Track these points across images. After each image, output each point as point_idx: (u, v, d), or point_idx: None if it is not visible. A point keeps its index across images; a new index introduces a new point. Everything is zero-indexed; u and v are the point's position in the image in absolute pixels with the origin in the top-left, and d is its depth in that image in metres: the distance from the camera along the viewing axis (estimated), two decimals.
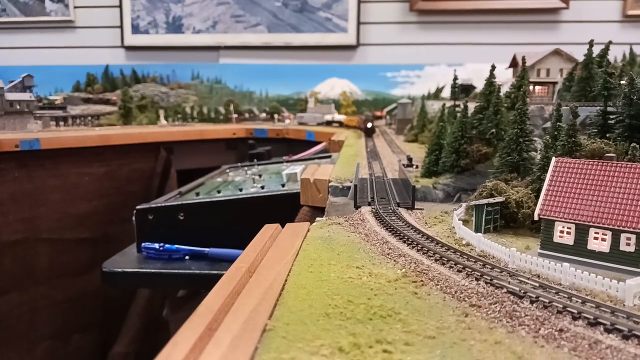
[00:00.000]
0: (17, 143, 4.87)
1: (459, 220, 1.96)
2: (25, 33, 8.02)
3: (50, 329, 5.24)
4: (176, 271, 3.27)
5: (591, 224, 1.52)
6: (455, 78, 4.30)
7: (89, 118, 7.38)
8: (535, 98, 3.46)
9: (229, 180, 4.57)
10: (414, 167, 3.22)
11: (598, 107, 2.15)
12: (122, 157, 5.82)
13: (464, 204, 2.22)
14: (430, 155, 2.95)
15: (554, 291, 1.31)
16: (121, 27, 7.88)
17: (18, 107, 6.04)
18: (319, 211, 2.71)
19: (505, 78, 4.01)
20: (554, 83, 3.52)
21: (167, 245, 3.40)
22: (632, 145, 1.71)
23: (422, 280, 1.45)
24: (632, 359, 1.01)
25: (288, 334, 1.11)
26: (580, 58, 3.11)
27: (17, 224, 4.99)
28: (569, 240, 1.57)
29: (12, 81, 6.33)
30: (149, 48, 8.04)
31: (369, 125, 5.71)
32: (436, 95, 7.30)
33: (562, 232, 1.59)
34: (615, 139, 1.90)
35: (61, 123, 6.97)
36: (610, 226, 1.48)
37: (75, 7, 7.89)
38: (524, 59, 3.33)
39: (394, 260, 1.63)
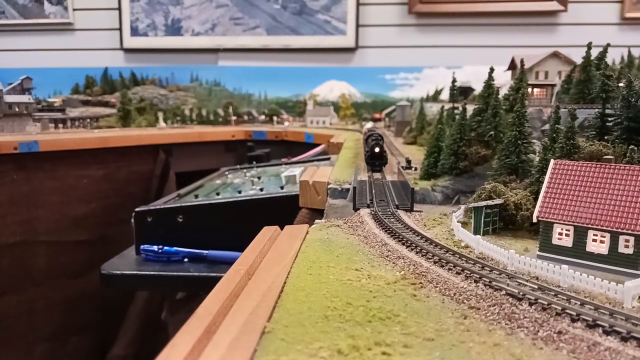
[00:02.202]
0: (16, 145, 4.86)
1: (457, 222, 1.96)
2: (24, 35, 8.02)
3: (49, 331, 5.23)
4: (175, 273, 3.27)
5: (590, 226, 1.52)
6: (454, 80, 4.31)
7: (88, 120, 7.38)
8: (534, 100, 3.46)
9: (227, 183, 4.57)
10: (413, 169, 3.22)
11: (596, 110, 2.16)
12: (120, 159, 5.81)
13: (462, 206, 2.22)
14: (429, 157, 2.95)
15: (552, 293, 1.31)
16: (120, 29, 7.88)
17: (17, 109, 6.03)
18: (317, 213, 2.71)
19: (503, 80, 4.02)
20: (553, 85, 3.52)
21: (165, 248, 3.40)
22: (630, 147, 1.71)
23: (421, 283, 1.45)
24: None
25: (287, 336, 1.11)
26: (579, 60, 3.11)
27: (15, 225, 4.98)
28: (567, 242, 1.58)
29: (11, 83, 6.32)
30: (147, 50, 8.04)
31: (377, 149, 3.18)
32: (435, 97, 7.31)
33: (560, 234, 1.59)
34: (613, 141, 1.90)
35: (60, 125, 6.97)
36: (609, 228, 1.48)
37: (74, 10, 7.89)
38: (522, 61, 3.34)
39: (393, 263, 1.63)
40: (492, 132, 2.67)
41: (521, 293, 1.31)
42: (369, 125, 5.88)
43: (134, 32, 7.91)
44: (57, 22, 7.91)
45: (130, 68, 8.13)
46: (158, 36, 7.94)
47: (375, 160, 3.19)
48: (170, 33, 7.93)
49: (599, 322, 1.14)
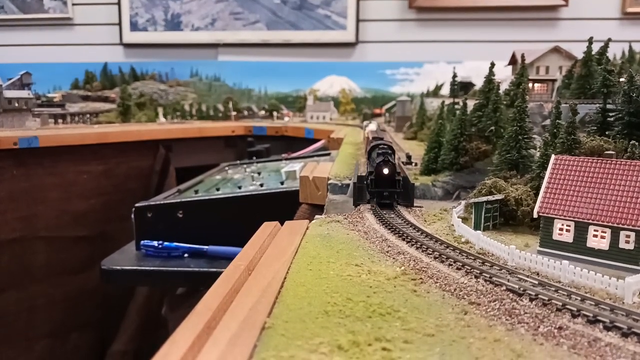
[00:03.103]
0: (16, 141, 4.85)
1: (458, 217, 1.96)
2: (23, 30, 7.99)
3: (49, 327, 5.24)
4: (175, 269, 3.26)
5: (590, 221, 1.52)
6: (455, 75, 4.29)
7: (88, 116, 7.37)
8: (535, 95, 3.45)
9: (228, 178, 4.56)
10: (413, 164, 3.21)
11: (597, 105, 2.15)
12: (120, 154, 5.81)
13: (463, 202, 2.22)
14: (430, 152, 2.95)
15: (553, 289, 1.31)
16: (119, 24, 7.85)
17: (16, 104, 6.02)
18: (318, 209, 2.70)
19: (504, 75, 4.00)
20: (553, 80, 3.51)
21: (166, 243, 3.40)
22: (631, 142, 1.71)
23: (421, 278, 1.45)
24: (631, 357, 1.01)
25: (287, 331, 1.11)
26: (580, 55, 3.10)
27: (15, 222, 4.98)
28: (568, 237, 1.57)
29: (10, 79, 6.32)
30: (147, 45, 8.02)
31: (386, 170, 2.17)
32: (435, 92, 7.29)
33: (561, 229, 1.58)
34: (614, 137, 1.90)
35: (60, 121, 6.96)
36: (610, 224, 1.48)
37: (73, 5, 7.86)
38: (523, 56, 3.32)
39: (393, 258, 1.63)
40: (492, 128, 2.66)
41: (522, 289, 1.31)
42: (373, 126, 4.18)
43: (134, 27, 7.88)
44: (56, 17, 7.89)
45: (129, 63, 8.11)
46: (158, 31, 7.92)
47: (384, 188, 2.06)
48: (169, 28, 7.91)
49: (599, 318, 1.14)
